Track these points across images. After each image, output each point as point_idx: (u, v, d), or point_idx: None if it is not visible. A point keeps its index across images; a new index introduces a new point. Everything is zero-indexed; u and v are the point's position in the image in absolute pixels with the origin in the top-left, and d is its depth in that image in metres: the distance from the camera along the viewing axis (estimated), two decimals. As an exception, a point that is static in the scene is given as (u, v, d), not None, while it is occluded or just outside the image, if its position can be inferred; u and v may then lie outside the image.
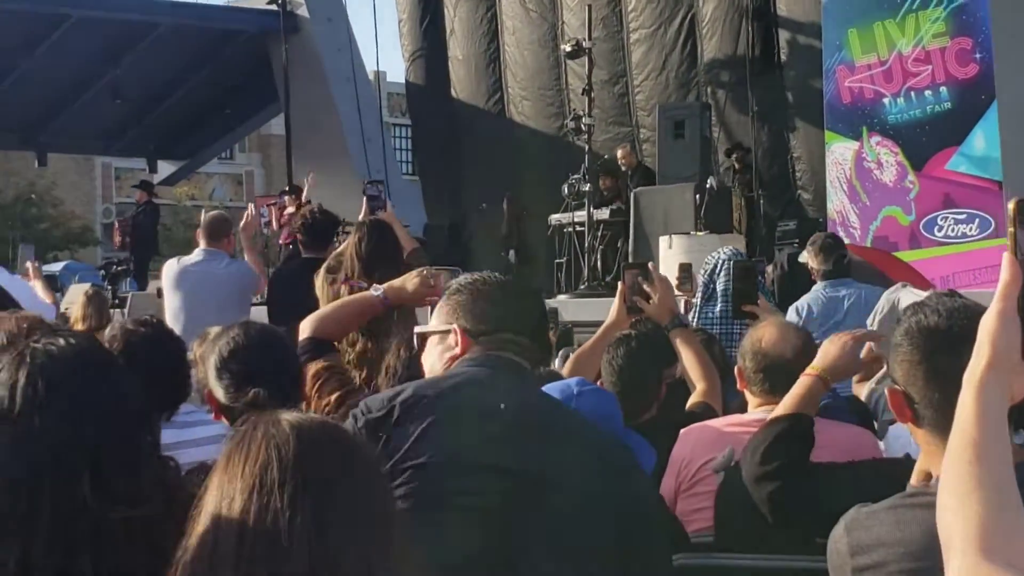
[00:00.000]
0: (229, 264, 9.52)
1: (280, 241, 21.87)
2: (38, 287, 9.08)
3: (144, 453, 2.53)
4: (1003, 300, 1.80)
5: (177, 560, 2.10)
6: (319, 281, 6.76)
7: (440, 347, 3.38)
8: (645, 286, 5.25)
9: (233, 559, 2.04)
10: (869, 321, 5.85)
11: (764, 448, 3.89)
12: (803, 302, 8.99)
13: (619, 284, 5.20)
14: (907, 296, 5.66)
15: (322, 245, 9.06)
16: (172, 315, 9.15)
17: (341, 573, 2.04)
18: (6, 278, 8.31)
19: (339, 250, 7.68)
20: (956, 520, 1.72)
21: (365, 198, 8.42)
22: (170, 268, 9.59)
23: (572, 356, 5.64)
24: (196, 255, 9.51)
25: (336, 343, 4.79)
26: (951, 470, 1.78)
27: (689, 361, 5.45)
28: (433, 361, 3.40)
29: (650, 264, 5.70)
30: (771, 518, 3.87)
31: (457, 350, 3.32)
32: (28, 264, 10.24)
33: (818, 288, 9.01)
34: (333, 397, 4.19)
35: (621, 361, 5.37)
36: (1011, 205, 1.83)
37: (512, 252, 21.18)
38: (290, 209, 21.82)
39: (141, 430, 2.56)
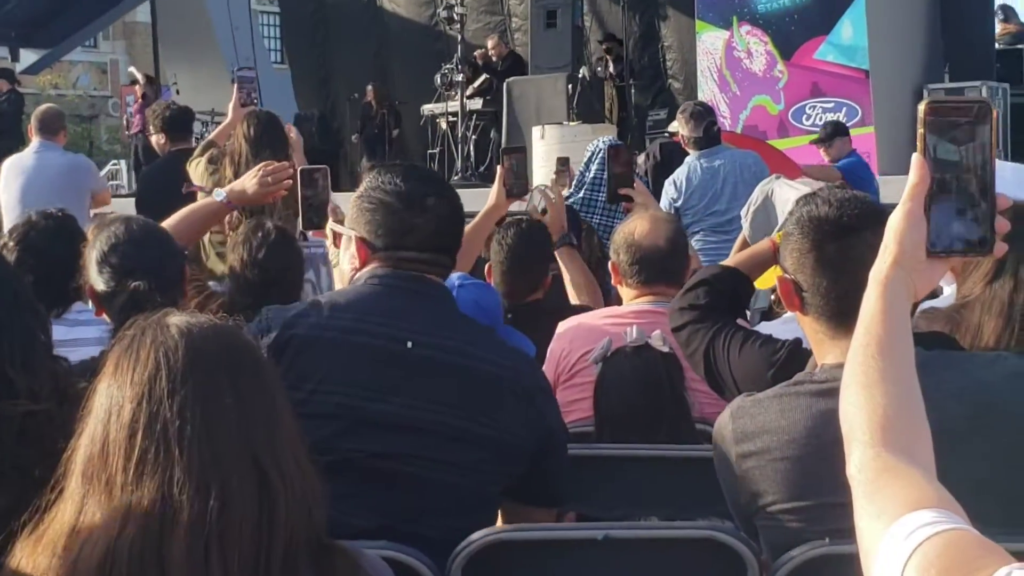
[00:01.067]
0: (63, 155, 9.46)
1: (131, 132, 21.63)
2: None
3: (39, 349, 2.55)
4: (910, 200, 1.85)
5: (65, 460, 2.12)
6: (196, 167, 6.70)
7: (348, 252, 3.36)
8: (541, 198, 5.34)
9: (123, 463, 2.06)
10: (743, 212, 5.92)
11: (686, 287, 3.91)
12: (679, 175, 8.97)
13: (498, 168, 5.23)
14: (781, 188, 5.73)
15: (185, 136, 9.07)
16: (7, 208, 9.07)
17: (230, 473, 2.08)
18: None
19: (209, 138, 7.62)
20: (859, 413, 1.78)
21: (236, 83, 8.32)
22: (6, 163, 9.52)
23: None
24: (30, 148, 9.48)
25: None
26: (855, 364, 1.83)
27: (574, 278, 5.58)
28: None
29: (548, 185, 5.76)
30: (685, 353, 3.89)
31: (357, 262, 3.31)
32: None
33: (692, 159, 8.98)
34: (192, 304, 4.17)
35: (511, 240, 5.47)
36: (921, 107, 1.88)
37: (356, 136, 21.11)
38: (139, 99, 21.57)
39: (35, 325, 2.57)
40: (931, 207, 1.86)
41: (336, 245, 3.51)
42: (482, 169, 18.31)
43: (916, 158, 1.86)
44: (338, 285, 4.28)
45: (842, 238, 2.88)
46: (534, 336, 4.57)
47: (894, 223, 1.87)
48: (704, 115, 9.12)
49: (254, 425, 2.14)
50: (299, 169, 4.73)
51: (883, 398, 1.77)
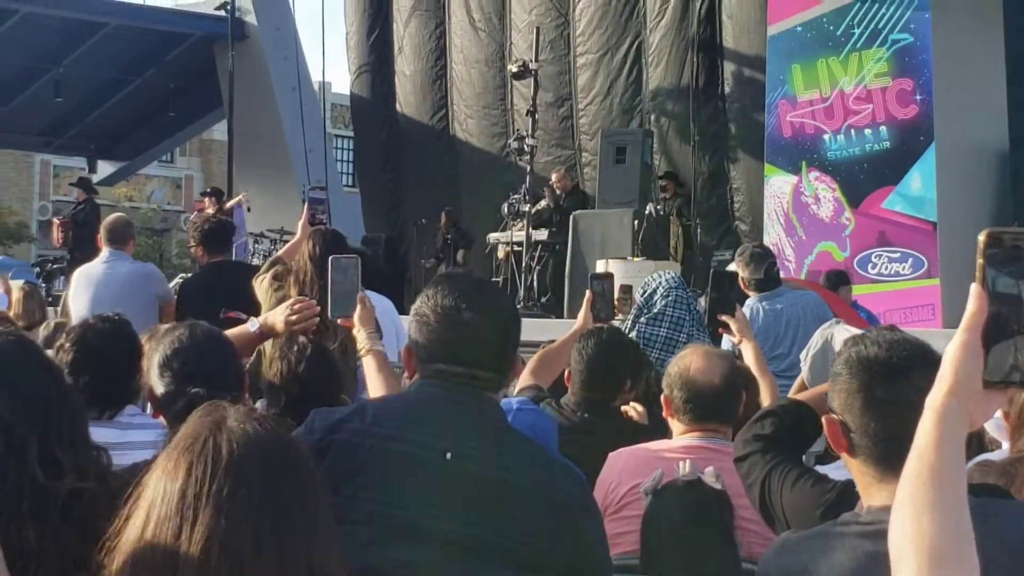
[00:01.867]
0: (131, 264, 9.52)
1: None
2: None
3: (82, 432, 2.60)
4: (968, 330, 1.86)
5: (108, 544, 2.15)
6: (262, 284, 6.77)
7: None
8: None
9: (167, 557, 2.08)
10: (803, 355, 5.91)
11: (755, 418, 3.89)
12: None
13: (587, 292, 5.33)
14: (841, 332, 5.72)
15: (223, 249, 9.21)
16: (77, 317, 9.12)
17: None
18: None
19: (277, 255, 7.71)
20: (907, 540, 1.78)
21: (307, 201, 8.43)
22: (76, 273, 9.61)
23: (537, 353, 5.74)
24: (99, 258, 9.54)
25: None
26: (906, 492, 1.83)
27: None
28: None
29: None
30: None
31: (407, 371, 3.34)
32: None
33: (753, 301, 8.82)
34: None
35: (591, 350, 5.53)
36: (981, 237, 1.90)
37: (428, 260, 21.28)
38: (209, 210, 21.89)
39: (78, 412, 2.63)
40: (988, 338, 1.87)
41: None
42: (544, 300, 18.37)
43: (975, 288, 1.87)
44: (369, 384, 4.30)
45: (891, 380, 2.86)
46: (616, 441, 4.62)
47: (951, 352, 1.88)
48: (764, 257, 9.05)
49: (311, 535, 2.15)
50: (330, 258, 4.80)
51: (932, 526, 1.78)
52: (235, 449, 2.15)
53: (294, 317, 4.79)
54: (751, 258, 8.97)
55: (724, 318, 5.49)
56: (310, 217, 7.80)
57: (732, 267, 9.65)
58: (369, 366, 4.14)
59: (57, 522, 2.46)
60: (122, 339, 4.42)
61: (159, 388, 3.76)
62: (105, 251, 9.46)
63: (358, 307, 4.39)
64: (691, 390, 4.65)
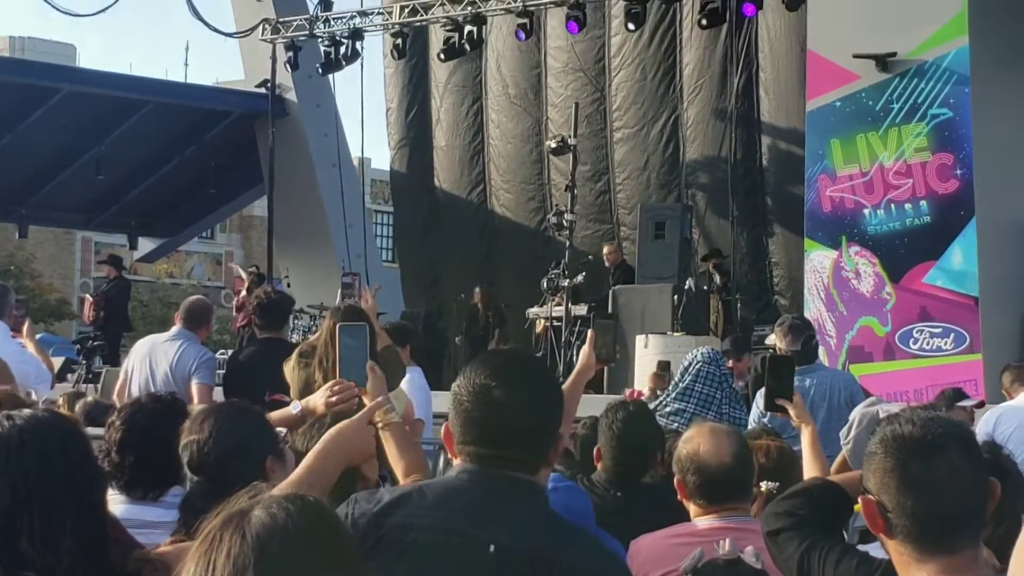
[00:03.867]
0: (195, 347, 9.28)
1: (236, 325, 21.93)
2: (30, 347, 8.99)
3: (62, 525, 2.60)
4: None
5: None
6: (290, 364, 6.79)
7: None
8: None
9: None
10: (843, 433, 5.84)
11: (786, 494, 3.84)
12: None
13: (588, 332, 5.36)
14: (882, 411, 5.66)
15: (278, 326, 9.15)
16: (135, 390, 9.08)
17: None
18: (10, 347, 8.31)
19: (311, 340, 7.72)
20: None
21: (340, 288, 8.47)
22: (137, 345, 9.53)
23: None
24: (167, 332, 9.46)
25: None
26: None
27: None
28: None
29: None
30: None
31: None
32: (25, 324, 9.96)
33: None
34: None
35: (619, 425, 5.49)
36: None
37: (460, 337, 21.30)
38: (243, 294, 21.99)
39: (64, 501, 2.63)
40: None
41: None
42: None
43: None
44: (391, 460, 4.26)
45: (926, 457, 2.85)
46: (651, 518, 4.58)
47: None
48: (802, 329, 9.04)
49: None
50: (339, 325, 4.82)
51: None
52: (258, 540, 2.11)
53: (334, 399, 4.83)
54: (790, 329, 8.97)
55: (782, 402, 5.45)
56: (342, 301, 7.83)
57: (771, 339, 9.62)
58: (389, 441, 4.09)
59: None
60: (171, 421, 4.40)
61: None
62: (175, 328, 9.38)
63: (369, 377, 4.37)
64: (704, 473, 4.59)
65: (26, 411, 2.87)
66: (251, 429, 4.09)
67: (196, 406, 5.61)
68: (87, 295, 24.63)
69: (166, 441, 4.22)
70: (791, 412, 5.43)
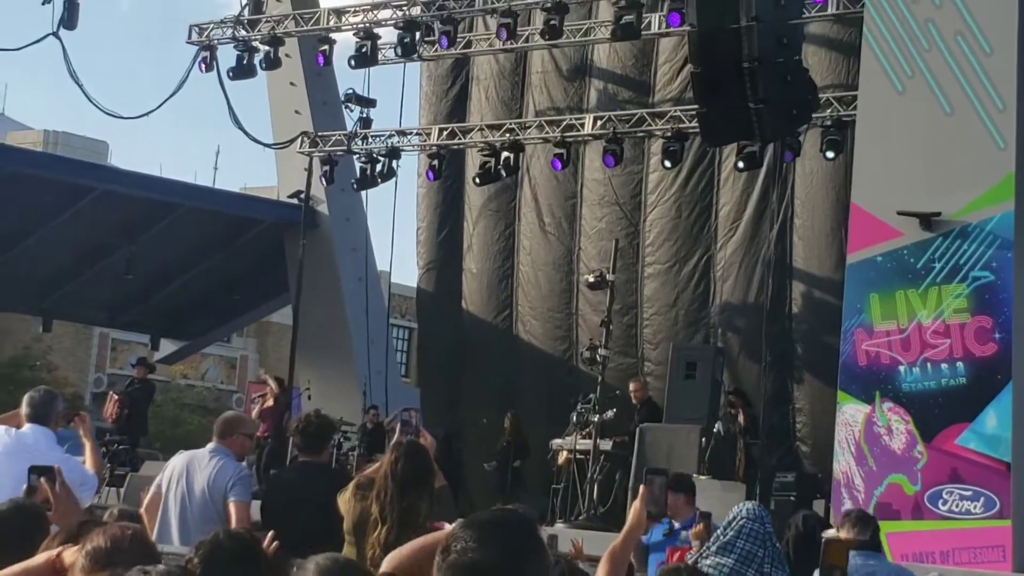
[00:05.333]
0: (228, 464, 9.22)
1: (259, 434, 21.82)
2: (88, 449, 8.97)
3: None
4: None
5: None
6: (346, 496, 6.77)
7: None
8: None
9: None
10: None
11: None
12: None
13: (640, 487, 5.26)
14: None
15: (318, 449, 9.20)
16: (170, 505, 9.05)
17: None
18: (57, 454, 8.29)
19: (367, 473, 7.69)
20: None
21: (399, 424, 8.48)
22: (176, 458, 9.54)
23: (606, 554, 5.61)
24: (205, 448, 9.51)
25: None
26: None
27: None
28: None
29: None
30: None
31: None
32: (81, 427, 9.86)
33: (851, 555, 8.89)
34: None
35: None
36: None
37: (491, 464, 21.16)
38: (269, 403, 21.95)
39: None
40: None
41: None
42: (602, 510, 18.20)
43: None
44: None
45: None
46: None
47: None
48: (870, 520, 9.17)
49: None
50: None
51: None
52: None
53: None
54: (859, 519, 9.08)
55: None
56: (402, 440, 7.80)
57: (831, 532, 9.61)
58: None
59: None
60: (250, 562, 4.38)
61: None
62: (211, 444, 9.42)
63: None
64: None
65: (160, 567, 2.88)
66: None
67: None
68: (112, 392, 24.58)
69: None
70: None
